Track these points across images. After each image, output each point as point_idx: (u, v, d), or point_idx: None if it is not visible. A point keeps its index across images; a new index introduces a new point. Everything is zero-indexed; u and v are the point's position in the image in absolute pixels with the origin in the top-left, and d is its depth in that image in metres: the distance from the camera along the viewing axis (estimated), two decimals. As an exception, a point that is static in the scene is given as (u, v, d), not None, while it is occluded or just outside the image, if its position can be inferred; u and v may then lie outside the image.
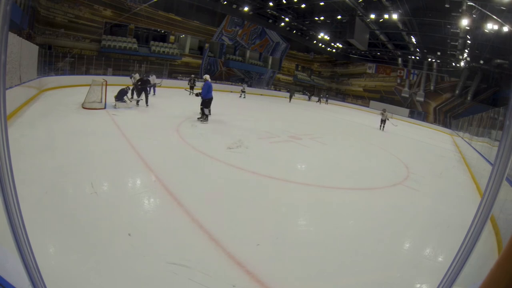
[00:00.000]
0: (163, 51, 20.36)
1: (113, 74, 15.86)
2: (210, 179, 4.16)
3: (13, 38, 6.19)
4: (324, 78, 35.15)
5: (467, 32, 16.51)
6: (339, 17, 20.71)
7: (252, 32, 26.11)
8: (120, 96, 8.81)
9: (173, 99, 13.57)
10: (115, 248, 2.28)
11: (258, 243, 2.64)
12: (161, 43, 20.57)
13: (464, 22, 14.49)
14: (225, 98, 16.61)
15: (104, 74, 15.32)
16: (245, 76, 27.08)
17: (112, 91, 8.74)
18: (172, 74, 21.01)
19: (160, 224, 2.77)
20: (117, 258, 2.17)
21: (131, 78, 10.81)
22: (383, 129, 14.03)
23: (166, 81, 16.79)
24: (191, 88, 16.14)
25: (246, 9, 22.05)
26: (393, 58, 28.67)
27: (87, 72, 15.30)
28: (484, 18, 13.55)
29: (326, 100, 29.82)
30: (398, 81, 29.17)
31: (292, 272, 2.34)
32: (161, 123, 7.61)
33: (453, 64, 24.23)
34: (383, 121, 14.27)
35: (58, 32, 15.48)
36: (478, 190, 5.79)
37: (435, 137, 16.22)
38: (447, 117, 25.22)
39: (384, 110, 14.63)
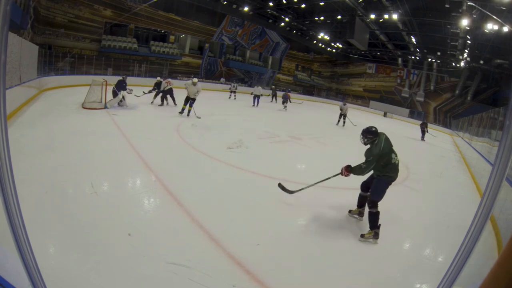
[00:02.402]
0: (163, 51, 20.35)
1: (113, 74, 15.85)
2: (210, 179, 4.16)
3: (13, 38, 6.19)
4: (324, 78, 35.14)
5: (467, 32, 16.51)
6: (339, 17, 20.70)
7: (252, 32, 26.10)
8: (118, 88, 8.65)
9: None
10: (115, 248, 2.28)
11: (258, 243, 2.64)
12: (161, 43, 20.56)
13: (464, 22, 14.49)
14: (225, 98, 16.57)
15: (104, 74, 15.30)
16: (245, 76, 27.07)
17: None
18: (172, 74, 21.00)
19: (160, 224, 2.77)
20: (117, 258, 2.17)
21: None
22: (343, 125, 12.46)
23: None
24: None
25: (246, 9, 22.04)
26: (393, 58, 28.65)
27: (87, 72, 15.29)
28: (484, 18, 13.55)
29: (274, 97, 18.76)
30: (398, 81, 29.15)
31: (292, 272, 2.34)
32: (161, 123, 7.61)
33: (453, 64, 24.21)
34: (342, 116, 12.52)
35: (58, 32, 15.48)
36: (478, 190, 5.78)
37: (435, 137, 16.19)
38: (447, 117, 25.20)
39: (344, 103, 12.61)
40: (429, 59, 25.70)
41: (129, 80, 10.05)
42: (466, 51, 19.94)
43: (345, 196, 4.30)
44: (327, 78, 35.04)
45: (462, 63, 23.12)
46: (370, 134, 3.10)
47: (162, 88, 10.13)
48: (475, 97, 23.74)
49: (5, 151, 0.93)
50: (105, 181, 3.61)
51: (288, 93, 16.49)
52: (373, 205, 3.06)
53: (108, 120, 6.92)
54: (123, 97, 8.76)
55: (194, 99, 8.91)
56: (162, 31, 21.09)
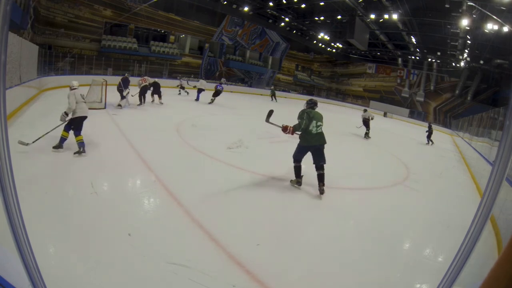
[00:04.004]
0: (163, 51, 20.35)
1: (113, 74, 15.86)
2: (210, 179, 4.16)
3: (13, 38, 6.20)
4: (324, 78, 35.14)
5: (467, 32, 16.51)
6: (339, 17, 20.70)
7: (252, 32, 26.10)
8: (124, 86, 8.75)
9: (173, 99, 13.57)
10: (115, 248, 2.28)
11: (258, 243, 2.64)
12: (161, 43, 20.56)
13: (464, 22, 14.49)
14: (224, 97, 16.54)
15: (104, 74, 15.31)
16: (245, 76, 27.07)
17: (113, 91, 8.73)
18: (172, 74, 21.01)
19: (160, 224, 2.77)
20: (117, 258, 2.17)
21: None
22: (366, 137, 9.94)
23: (166, 81, 16.77)
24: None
25: (246, 9, 22.04)
26: (393, 58, 28.64)
27: (87, 72, 15.30)
28: (484, 18, 13.55)
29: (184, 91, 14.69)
30: (398, 81, 29.14)
31: (292, 272, 2.34)
32: (161, 123, 7.60)
33: (453, 64, 24.22)
34: (367, 126, 10.05)
35: (58, 32, 15.49)
36: (478, 190, 5.78)
37: (435, 137, 16.18)
38: (447, 117, 25.20)
39: (364, 111, 10.32)
40: (429, 59, 25.71)
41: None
42: (466, 51, 19.94)
43: (346, 197, 4.30)
44: (327, 78, 35.04)
45: (462, 63, 23.12)
46: (310, 100, 4.44)
47: (139, 87, 9.68)
48: (475, 97, 23.74)
49: (5, 151, 0.93)
50: (105, 181, 3.61)
51: (220, 87, 12.83)
52: (293, 160, 4.21)
53: (108, 120, 6.92)
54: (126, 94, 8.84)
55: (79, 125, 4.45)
56: (162, 31, 21.10)
